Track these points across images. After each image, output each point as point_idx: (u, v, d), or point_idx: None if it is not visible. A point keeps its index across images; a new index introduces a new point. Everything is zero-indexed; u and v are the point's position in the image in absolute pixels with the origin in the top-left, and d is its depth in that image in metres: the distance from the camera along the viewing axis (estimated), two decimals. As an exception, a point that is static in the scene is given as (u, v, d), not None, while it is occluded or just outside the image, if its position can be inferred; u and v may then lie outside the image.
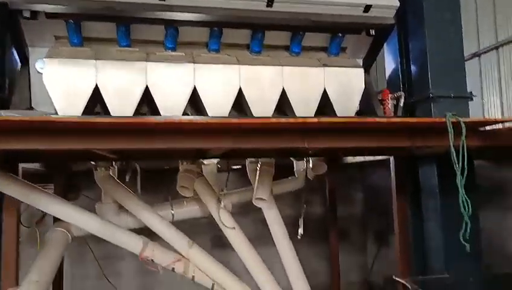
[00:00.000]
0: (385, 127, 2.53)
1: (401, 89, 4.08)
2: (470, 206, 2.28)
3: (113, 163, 3.88)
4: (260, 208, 3.99)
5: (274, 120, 2.28)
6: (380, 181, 6.33)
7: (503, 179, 4.50)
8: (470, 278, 3.86)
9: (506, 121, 2.68)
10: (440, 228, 3.89)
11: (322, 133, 2.49)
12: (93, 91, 3.01)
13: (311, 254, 7.09)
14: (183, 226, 5.73)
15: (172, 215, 4.19)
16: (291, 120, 2.30)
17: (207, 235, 6.20)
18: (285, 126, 2.35)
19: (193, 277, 3.70)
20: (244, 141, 2.37)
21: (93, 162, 3.81)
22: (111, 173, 3.89)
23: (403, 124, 2.52)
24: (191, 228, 6.18)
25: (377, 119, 2.44)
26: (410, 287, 3.59)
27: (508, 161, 4.50)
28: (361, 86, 3.52)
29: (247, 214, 5.79)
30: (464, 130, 2.37)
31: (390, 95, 4.03)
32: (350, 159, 5.14)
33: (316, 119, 2.30)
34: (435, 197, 3.95)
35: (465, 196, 2.25)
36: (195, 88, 3.16)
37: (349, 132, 2.54)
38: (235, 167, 5.85)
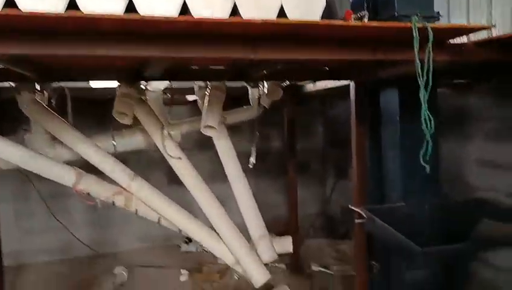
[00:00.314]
0: (343, 33, 2.21)
1: (365, 9, 3.75)
2: (432, 123, 2.05)
3: (38, 86, 3.39)
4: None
5: (211, 19, 1.89)
6: (341, 114, 6.14)
7: (465, 107, 4.36)
8: (426, 206, 3.81)
9: (478, 30, 2.41)
10: (398, 156, 3.74)
11: (271, 41, 2.14)
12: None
13: (270, 188, 7.02)
14: (138, 161, 5.44)
15: (114, 146, 3.81)
16: (233, 19, 1.92)
17: (163, 171, 5.93)
18: (225, 28, 1.97)
19: (136, 210, 3.41)
20: (176, 49, 1.98)
21: (12, 84, 3.31)
22: (38, 99, 3.41)
23: (363, 29, 2.19)
24: (146, 163, 5.91)
25: (333, 21, 2.10)
26: (365, 215, 3.47)
27: (470, 89, 4.34)
28: (322, 2, 3.15)
29: (205, 150, 5.48)
30: (430, 37, 2.09)
31: (353, 16, 3.70)
32: (310, 88, 4.84)
33: (261, 20, 1.93)
34: (395, 123, 3.76)
35: (427, 111, 2.00)
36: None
37: (303, 41, 2.20)
38: (191, 99, 5.46)
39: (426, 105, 1.99)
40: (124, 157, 3.87)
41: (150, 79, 3.13)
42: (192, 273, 5.35)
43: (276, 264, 5.60)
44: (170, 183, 5.31)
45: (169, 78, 3.24)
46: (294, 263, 5.41)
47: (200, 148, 6.03)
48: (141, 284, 5.22)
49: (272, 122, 6.42)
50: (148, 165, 5.95)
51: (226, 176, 3.84)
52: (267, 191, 7.07)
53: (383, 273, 4.04)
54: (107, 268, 5.49)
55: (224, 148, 3.63)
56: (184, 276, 5.35)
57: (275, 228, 6.75)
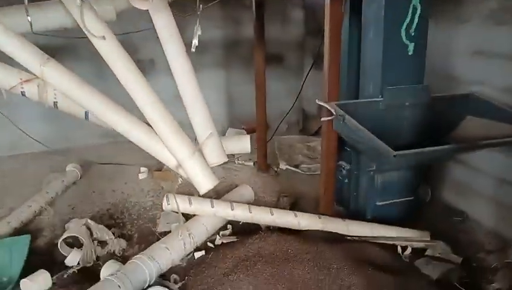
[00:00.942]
0: None
1: None
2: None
3: None
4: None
5: None
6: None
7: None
8: (406, 102, 3.28)
9: None
10: (380, 42, 3.06)
11: None
12: None
13: (240, 81, 6.38)
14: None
15: (30, 23, 3.03)
16: None
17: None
18: None
19: (55, 103, 2.78)
20: None
21: None
22: None
23: None
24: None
25: None
26: (334, 111, 2.93)
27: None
28: None
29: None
30: None
31: None
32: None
33: None
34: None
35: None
36: None
37: None
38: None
39: None
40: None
41: None
42: (152, 172, 4.97)
43: (244, 162, 5.24)
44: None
45: None
46: (262, 161, 5.03)
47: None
48: (96, 182, 4.83)
49: (245, 6, 5.57)
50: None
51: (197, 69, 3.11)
52: (239, 84, 6.43)
53: (353, 174, 3.66)
54: (60, 165, 5.04)
55: (163, 24, 2.86)
56: (143, 174, 4.99)
57: (247, 124, 6.28)
